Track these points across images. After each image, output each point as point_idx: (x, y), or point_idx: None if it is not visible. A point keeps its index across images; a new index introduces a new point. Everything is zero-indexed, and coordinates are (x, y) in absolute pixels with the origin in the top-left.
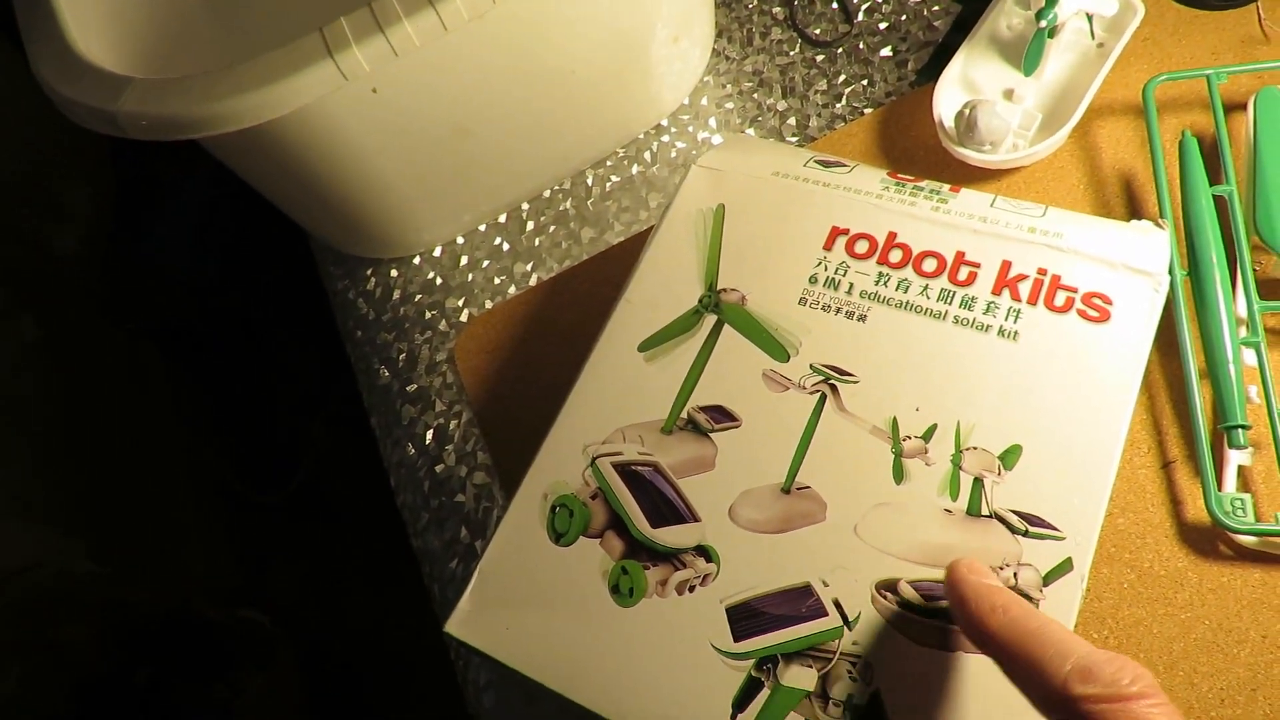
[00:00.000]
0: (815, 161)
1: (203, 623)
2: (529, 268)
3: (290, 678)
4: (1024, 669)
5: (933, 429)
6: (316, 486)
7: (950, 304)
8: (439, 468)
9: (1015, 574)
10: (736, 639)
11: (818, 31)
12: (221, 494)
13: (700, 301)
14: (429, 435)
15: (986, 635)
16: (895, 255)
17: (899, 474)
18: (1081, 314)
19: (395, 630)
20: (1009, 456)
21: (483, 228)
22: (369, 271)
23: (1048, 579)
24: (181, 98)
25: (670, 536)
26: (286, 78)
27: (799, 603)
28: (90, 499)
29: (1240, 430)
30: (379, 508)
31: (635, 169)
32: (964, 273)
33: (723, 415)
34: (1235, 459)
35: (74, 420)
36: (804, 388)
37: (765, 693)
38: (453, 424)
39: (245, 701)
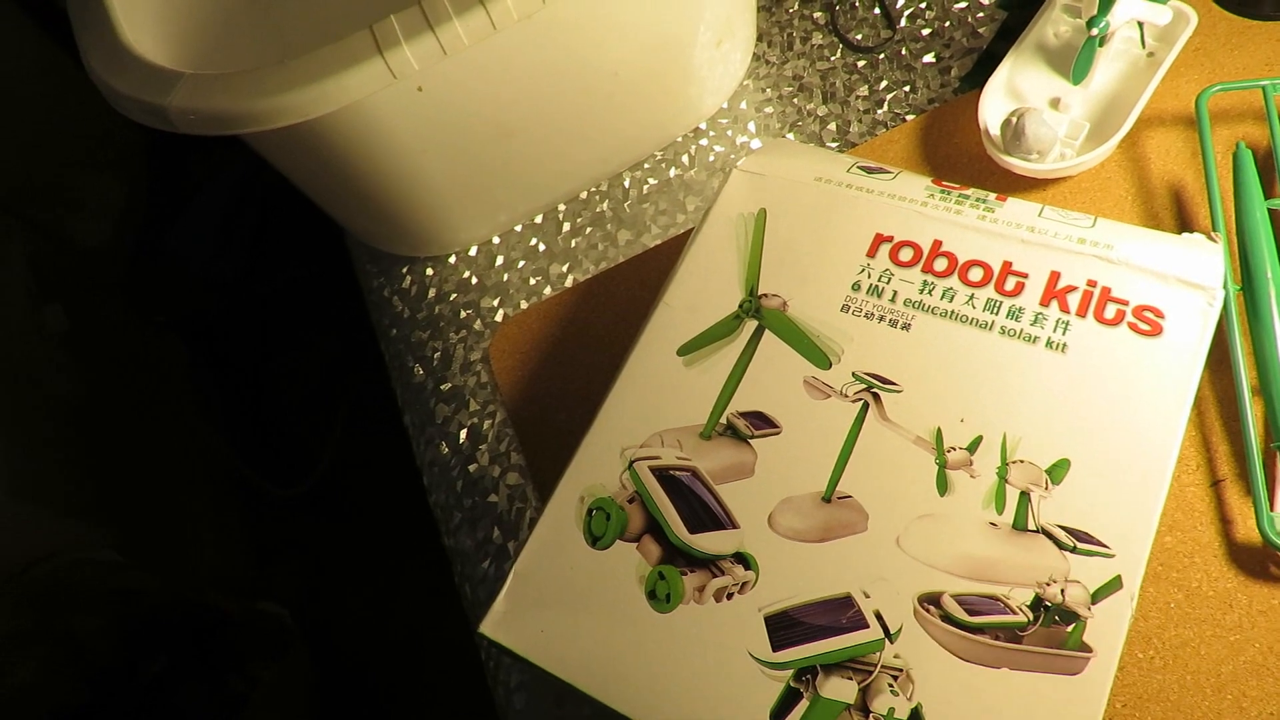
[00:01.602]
0: (858, 167)
1: (218, 614)
2: (565, 269)
3: (304, 670)
4: None
5: (978, 440)
6: (334, 482)
7: (997, 314)
8: (472, 467)
9: (1062, 590)
10: (775, 648)
11: (859, 37)
12: (239, 487)
13: (741, 306)
14: (463, 435)
15: None
16: (940, 264)
17: (943, 486)
18: (1133, 327)
19: (408, 625)
20: (1057, 470)
21: (519, 228)
22: (405, 270)
23: (1096, 596)
24: (231, 93)
25: (708, 542)
26: (336, 75)
27: (839, 613)
28: (110, 489)
29: None
30: (396, 505)
31: (673, 172)
32: (1011, 283)
33: (763, 421)
34: None
35: (97, 411)
36: (846, 396)
37: (804, 704)
38: (486, 424)
39: (259, 693)
